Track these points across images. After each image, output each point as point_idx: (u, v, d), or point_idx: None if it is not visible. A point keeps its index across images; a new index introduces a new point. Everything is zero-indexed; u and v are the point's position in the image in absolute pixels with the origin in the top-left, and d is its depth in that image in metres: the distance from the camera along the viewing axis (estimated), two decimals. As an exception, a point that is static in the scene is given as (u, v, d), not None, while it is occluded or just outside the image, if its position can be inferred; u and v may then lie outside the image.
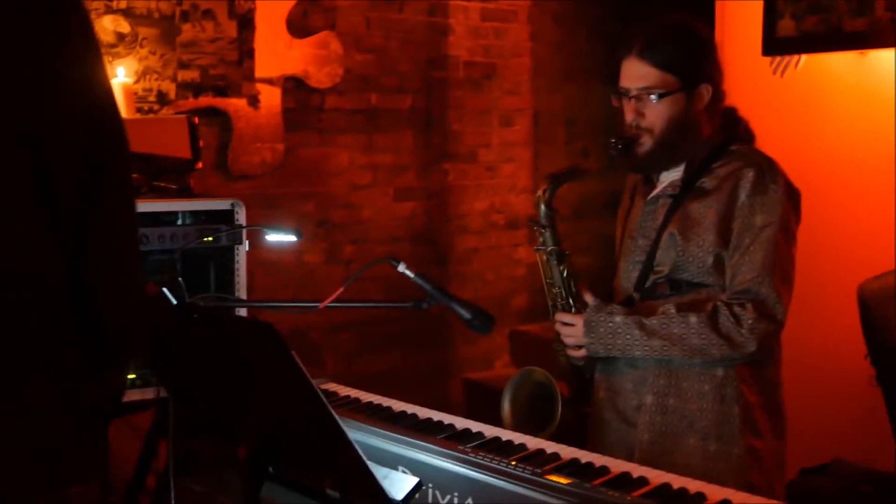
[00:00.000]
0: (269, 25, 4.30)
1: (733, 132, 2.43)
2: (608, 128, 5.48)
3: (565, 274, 2.44)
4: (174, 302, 1.76)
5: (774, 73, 4.07)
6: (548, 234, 2.44)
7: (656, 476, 1.80)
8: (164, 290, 1.76)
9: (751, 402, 2.33)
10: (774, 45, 4.02)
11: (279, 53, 4.35)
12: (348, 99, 4.64)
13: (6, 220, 1.40)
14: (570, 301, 2.44)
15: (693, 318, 2.26)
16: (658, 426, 2.36)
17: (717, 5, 4.24)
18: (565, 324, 2.42)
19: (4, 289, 1.39)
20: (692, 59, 2.36)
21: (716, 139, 2.39)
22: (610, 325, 2.33)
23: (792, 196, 2.33)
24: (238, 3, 4.20)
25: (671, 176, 2.42)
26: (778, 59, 4.05)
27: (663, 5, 2.59)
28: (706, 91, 2.35)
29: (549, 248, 2.45)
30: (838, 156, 4.02)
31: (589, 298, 2.41)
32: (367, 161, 4.74)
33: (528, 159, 5.37)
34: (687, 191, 2.37)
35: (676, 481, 1.78)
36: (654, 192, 2.44)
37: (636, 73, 2.35)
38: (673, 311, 2.29)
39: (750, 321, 2.23)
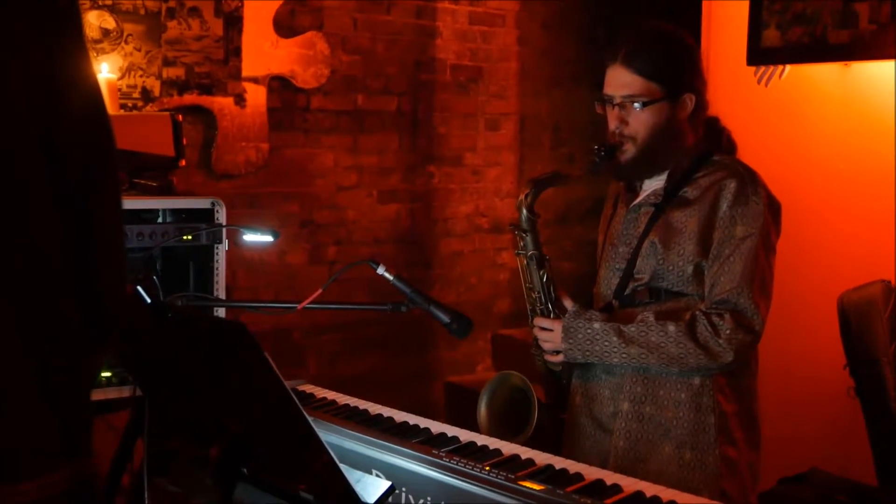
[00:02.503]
0: (256, 24, 4.29)
1: (716, 142, 2.43)
2: (594, 134, 5.47)
3: (545, 279, 2.44)
4: (147, 300, 1.76)
5: (759, 82, 4.08)
6: (529, 238, 2.44)
7: (630, 484, 1.80)
8: (138, 288, 1.75)
9: (726, 412, 2.33)
10: (759, 54, 4.04)
11: (265, 52, 4.34)
12: (334, 100, 4.63)
13: (21, 198, 1.44)
14: (549, 306, 2.44)
15: (671, 327, 2.27)
16: (634, 433, 2.36)
17: (704, 14, 4.26)
18: (544, 329, 2.42)
19: (14, 264, 1.42)
20: (676, 68, 2.36)
21: (699, 148, 2.40)
22: (588, 331, 2.34)
23: (773, 208, 2.33)
24: (225, 1, 4.19)
25: (654, 184, 2.43)
26: (762, 68, 4.06)
27: (650, 14, 2.59)
28: (690, 100, 2.36)
29: (530, 253, 2.44)
30: (820, 166, 4.03)
31: (568, 304, 2.41)
32: (352, 162, 4.73)
33: (513, 163, 5.37)
34: (669, 200, 2.37)
35: (650, 489, 1.78)
36: (637, 201, 2.45)
37: (620, 81, 2.35)
38: (651, 318, 2.29)
39: (728, 331, 2.23)
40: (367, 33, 4.73)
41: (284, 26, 4.42)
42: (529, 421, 2.33)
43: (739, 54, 4.09)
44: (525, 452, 1.96)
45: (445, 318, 2.18)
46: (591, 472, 1.86)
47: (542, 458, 1.93)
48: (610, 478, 1.83)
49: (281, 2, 4.35)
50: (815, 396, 3.89)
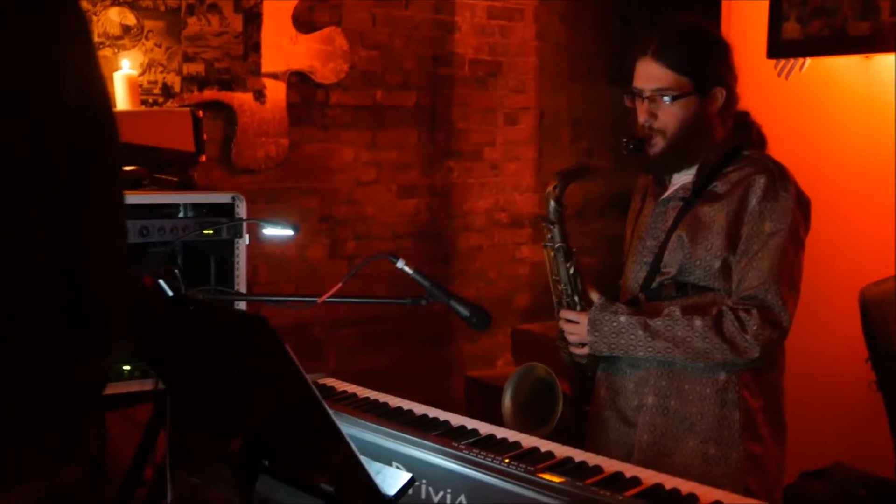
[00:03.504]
0: (275, 20, 4.31)
1: (746, 136, 2.42)
2: (613, 128, 5.49)
3: (572, 271, 2.44)
4: (169, 293, 1.77)
5: (779, 75, 4.07)
6: (556, 230, 2.44)
7: (649, 476, 1.80)
8: (160, 281, 1.76)
9: (752, 408, 2.32)
10: (779, 48, 4.02)
11: (284, 48, 4.36)
12: (353, 95, 4.64)
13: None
14: (576, 298, 2.43)
15: (698, 322, 2.26)
16: (658, 427, 2.35)
17: (723, 7, 4.24)
18: (569, 321, 2.42)
19: None
20: (707, 62, 2.35)
21: (728, 143, 2.39)
22: (614, 324, 2.33)
23: (802, 204, 2.32)
24: (244, -3, 4.21)
25: (682, 178, 2.42)
26: (783, 61, 4.05)
27: (669, 8, 2.59)
28: (720, 94, 2.35)
29: (557, 245, 2.45)
30: (840, 159, 4.01)
31: (594, 296, 2.41)
32: (371, 157, 4.74)
33: (532, 158, 5.36)
34: (698, 194, 2.36)
35: (669, 482, 1.78)
36: (666, 194, 2.44)
37: (650, 74, 2.34)
38: (678, 313, 2.29)
39: (755, 327, 2.22)
40: (386, 28, 4.74)
41: (303, 22, 4.43)
42: (553, 413, 2.33)
43: (760, 47, 4.07)
44: (544, 445, 1.97)
45: (465, 312, 2.19)
46: (610, 465, 1.86)
47: (561, 450, 1.94)
48: (629, 470, 1.83)
49: (300, -3, 4.37)
50: (837, 391, 3.88)
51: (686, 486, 1.76)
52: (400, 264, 2.21)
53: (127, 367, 2.63)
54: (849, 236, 3.95)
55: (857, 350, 3.34)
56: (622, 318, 2.33)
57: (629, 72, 2.40)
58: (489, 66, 5.14)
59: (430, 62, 4.92)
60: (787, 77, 4.07)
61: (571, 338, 2.43)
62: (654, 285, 2.40)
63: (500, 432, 2.04)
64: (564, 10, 5.39)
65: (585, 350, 2.41)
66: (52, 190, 1.42)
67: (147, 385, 2.61)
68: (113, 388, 2.62)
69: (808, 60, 4.03)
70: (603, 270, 2.49)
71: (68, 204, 1.43)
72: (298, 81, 4.44)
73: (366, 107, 4.69)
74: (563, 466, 1.85)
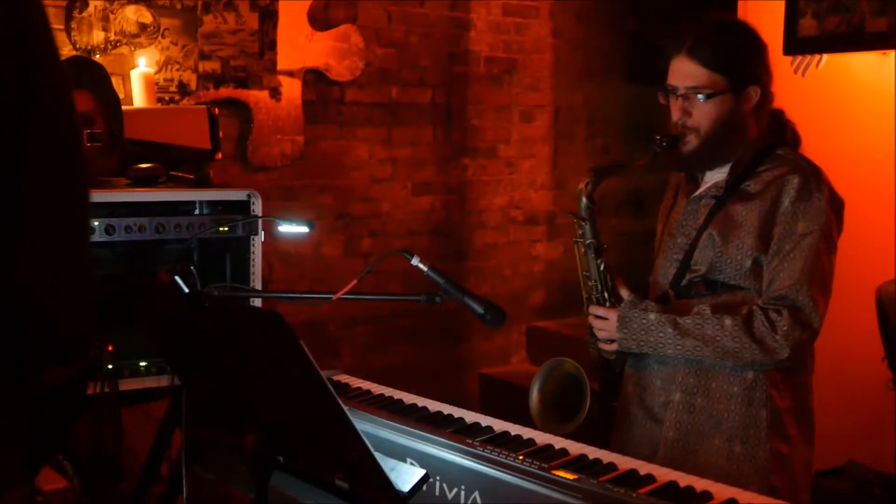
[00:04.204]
0: (291, 18, 4.32)
1: (780, 135, 2.41)
2: (628, 125, 5.48)
3: (602, 267, 2.44)
4: (186, 290, 1.78)
5: (795, 72, 4.05)
6: (587, 226, 2.44)
7: (663, 474, 1.80)
8: (176, 278, 1.77)
9: (779, 407, 2.32)
10: (796, 44, 4.00)
11: (300, 46, 4.37)
12: (368, 92, 4.65)
13: None
14: (605, 295, 2.43)
15: (728, 321, 2.25)
16: (684, 424, 2.35)
17: (739, 4, 4.23)
18: (599, 317, 2.42)
19: None
20: (742, 60, 2.34)
21: (762, 142, 2.38)
22: (643, 321, 2.33)
23: (835, 205, 2.31)
24: (260, -5, 4.23)
25: (715, 176, 2.41)
26: (799, 58, 4.03)
27: (686, 5, 2.58)
28: (755, 93, 2.34)
29: (588, 241, 2.45)
30: (857, 156, 3.99)
31: (624, 293, 2.41)
32: (386, 155, 4.75)
33: (547, 155, 5.36)
34: (730, 193, 2.36)
35: (683, 479, 1.77)
36: (698, 192, 2.44)
37: (685, 72, 2.33)
38: (708, 311, 2.28)
39: (785, 328, 2.22)
40: (402, 26, 4.75)
41: (319, 20, 4.44)
42: (581, 408, 2.33)
43: (776, 44, 4.05)
44: (558, 442, 1.97)
45: (479, 309, 2.19)
46: (624, 462, 1.86)
47: (575, 447, 1.94)
48: (643, 468, 1.83)
49: (315, -5, 4.38)
50: (853, 389, 3.86)
51: (700, 484, 1.75)
52: (415, 261, 2.21)
53: (143, 364, 2.64)
54: (865, 233, 3.93)
55: (872, 348, 3.33)
56: (651, 316, 2.33)
57: (663, 69, 2.39)
58: (504, 63, 5.14)
59: (446, 59, 4.92)
60: (803, 74, 4.05)
61: (600, 334, 2.43)
62: (683, 282, 2.39)
63: (514, 429, 2.05)
64: (580, 8, 5.38)
65: (614, 346, 2.40)
66: None
67: (163, 382, 2.62)
68: (129, 385, 2.64)
69: (825, 57, 4.01)
70: (619, 267, 2.48)
71: None
72: (314, 79, 4.46)
73: (381, 104, 4.70)
74: (577, 464, 1.85)
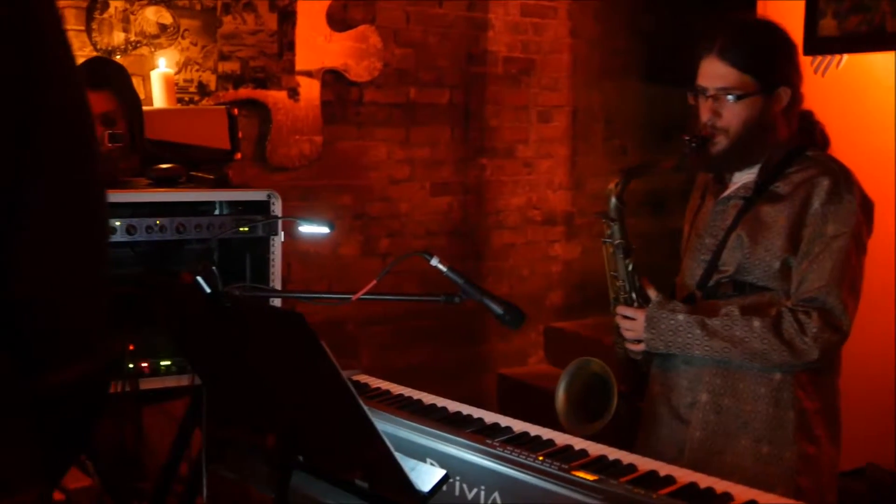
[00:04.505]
0: (310, 18, 4.33)
1: (810, 136, 2.40)
2: (646, 125, 5.47)
3: (630, 268, 2.43)
4: (207, 290, 1.79)
5: (815, 72, 4.03)
6: (616, 227, 2.44)
7: (683, 475, 1.80)
8: (198, 278, 1.78)
9: (806, 408, 2.31)
10: (816, 44, 3.98)
11: (319, 46, 4.38)
12: (387, 93, 4.65)
13: None
14: (633, 295, 2.43)
15: (756, 322, 2.25)
16: (711, 425, 2.35)
17: (759, 4, 4.21)
18: (626, 317, 2.42)
19: None
20: (772, 62, 2.33)
21: (792, 143, 2.37)
22: (671, 322, 2.33)
23: (866, 207, 2.30)
24: (279, -5, 4.24)
25: (744, 177, 2.40)
26: (819, 58, 4.01)
27: (705, 5, 2.57)
28: (785, 94, 2.32)
29: (617, 242, 2.44)
30: (878, 156, 3.97)
31: (652, 294, 2.41)
32: (404, 155, 4.76)
33: (565, 156, 5.36)
34: (759, 194, 2.35)
35: (703, 480, 1.77)
36: (726, 193, 2.43)
37: (715, 73, 2.32)
38: (736, 312, 2.28)
39: (814, 330, 2.21)
40: (420, 26, 4.75)
41: (337, 20, 4.45)
42: (608, 408, 2.32)
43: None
44: (578, 443, 1.97)
45: (498, 310, 2.19)
46: (644, 463, 1.86)
47: (595, 448, 1.94)
48: (663, 469, 1.83)
49: (334, -4, 4.39)
50: (872, 391, 3.84)
51: (720, 486, 1.75)
52: (434, 261, 2.21)
53: (164, 363, 2.66)
54: (884, 233, 3.91)
55: (893, 349, 3.31)
56: (680, 317, 2.33)
57: (693, 69, 2.39)
58: (522, 63, 5.14)
59: (464, 60, 4.92)
60: (823, 74, 4.03)
61: (628, 334, 2.42)
62: (711, 283, 2.39)
63: (534, 430, 2.05)
64: (598, 8, 5.38)
65: (642, 347, 2.40)
66: None
67: (183, 381, 2.64)
68: (150, 384, 2.65)
69: (845, 57, 3.99)
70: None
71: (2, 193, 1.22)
72: (332, 79, 4.46)
73: (399, 104, 4.71)
74: (597, 464, 1.85)
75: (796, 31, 4.03)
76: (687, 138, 2.34)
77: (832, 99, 4.05)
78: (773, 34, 2.38)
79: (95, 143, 1.36)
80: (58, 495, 1.98)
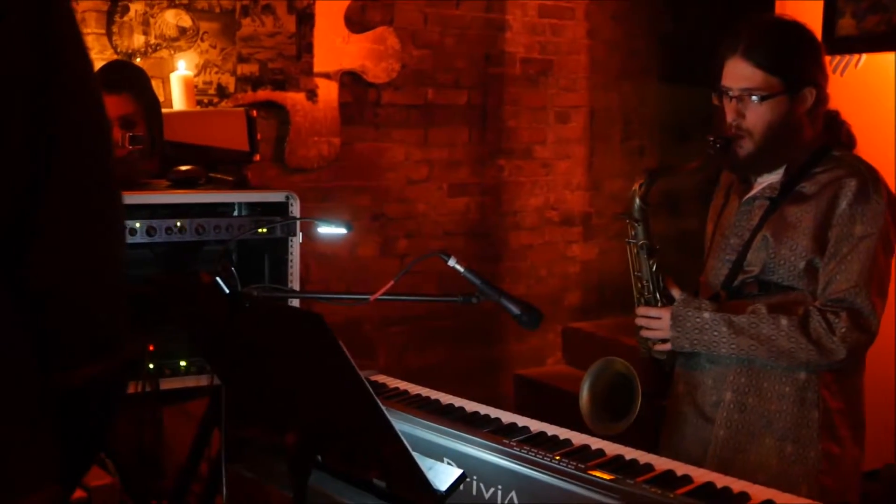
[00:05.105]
0: (328, 20, 4.35)
1: (835, 136, 2.39)
2: (664, 126, 5.46)
3: (654, 268, 2.43)
4: (227, 291, 1.80)
5: (834, 72, 4.02)
6: (640, 227, 2.44)
7: (700, 475, 1.80)
8: (218, 279, 1.79)
9: (831, 408, 2.31)
10: (834, 44, 3.97)
11: (337, 48, 4.40)
12: (404, 94, 4.67)
13: None
14: (657, 295, 2.43)
15: (784, 321, 2.25)
16: (735, 423, 2.35)
17: (777, 4, 4.20)
18: (650, 317, 2.42)
19: None
20: (797, 62, 2.32)
21: (817, 143, 2.36)
22: (698, 320, 2.33)
23: (893, 207, 2.29)
24: (297, -2, 4.26)
25: (770, 177, 2.40)
26: (838, 58, 4.00)
27: (724, 6, 2.57)
28: (810, 94, 2.32)
29: (641, 242, 2.44)
30: (897, 156, 3.96)
31: (676, 293, 2.41)
32: (422, 156, 4.77)
33: (583, 156, 5.36)
34: (785, 194, 2.35)
35: (720, 480, 1.78)
36: (751, 193, 2.42)
37: (739, 74, 2.32)
38: (763, 310, 2.28)
39: (843, 329, 2.21)
40: (437, 28, 4.76)
41: (355, 22, 4.46)
42: (632, 408, 2.32)
43: (814, 44, 4.03)
44: (595, 443, 1.97)
45: (516, 310, 2.19)
46: (661, 463, 1.86)
47: (612, 448, 1.94)
48: (680, 468, 1.83)
49: (352, -2, 4.41)
50: (890, 392, 3.83)
51: (738, 486, 1.76)
52: (451, 262, 2.22)
53: (183, 363, 2.68)
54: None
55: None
56: (706, 315, 2.32)
57: (711, 70, 2.38)
58: (540, 64, 5.14)
59: (482, 61, 4.93)
60: (842, 73, 4.02)
61: (653, 334, 2.42)
62: (736, 283, 2.39)
63: (551, 430, 2.05)
64: (616, 8, 5.37)
65: (667, 346, 2.40)
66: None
67: (203, 381, 2.65)
68: (169, 384, 2.67)
69: (864, 56, 3.98)
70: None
71: (21, 194, 1.24)
72: (350, 81, 4.48)
73: (417, 106, 4.72)
74: (614, 464, 1.86)
75: (814, 31, 4.02)
76: (711, 139, 2.34)
77: (851, 98, 4.04)
78: (799, 34, 2.37)
79: (112, 145, 1.38)
80: (79, 493, 2.00)
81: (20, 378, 1.28)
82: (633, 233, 2.45)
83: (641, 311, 2.45)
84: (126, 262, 1.40)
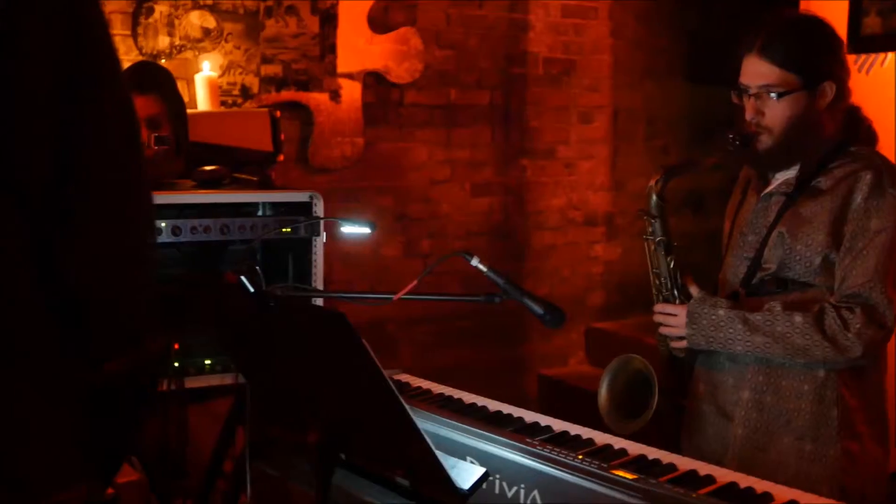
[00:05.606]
0: (351, 21, 4.36)
1: (855, 132, 2.37)
2: (688, 125, 5.44)
3: (672, 265, 2.43)
4: (251, 290, 1.81)
5: (859, 71, 3.99)
6: (657, 224, 2.43)
7: (723, 474, 1.80)
8: (242, 278, 1.81)
9: (851, 406, 2.29)
10: (859, 42, 3.95)
11: (360, 49, 4.41)
12: (427, 94, 4.67)
13: None
14: (675, 292, 2.43)
15: (798, 318, 2.24)
16: (753, 422, 2.34)
17: (802, 3, 4.18)
18: (668, 314, 2.42)
19: None
20: (814, 57, 2.31)
21: (836, 138, 2.35)
22: (713, 317, 2.32)
23: None
24: (321, -1, 4.28)
25: (787, 173, 2.39)
26: (863, 56, 3.97)
27: (748, 3, 2.56)
28: (829, 89, 2.30)
29: (658, 238, 2.44)
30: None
31: (694, 290, 2.40)
32: (445, 156, 4.77)
33: (606, 156, 5.35)
34: (801, 190, 2.34)
35: (744, 480, 1.77)
36: (768, 189, 2.41)
37: (756, 71, 2.31)
38: (778, 308, 2.27)
39: (858, 325, 2.19)
40: (460, 28, 4.77)
41: (378, 22, 4.48)
42: (649, 405, 2.32)
43: (839, 43, 4.01)
44: (618, 442, 1.97)
45: (539, 310, 2.19)
46: (684, 463, 1.86)
47: (634, 447, 1.94)
48: (703, 468, 1.83)
49: (375, -2, 4.42)
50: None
51: (761, 486, 1.75)
52: (475, 262, 2.22)
53: (208, 362, 2.70)
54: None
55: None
56: (721, 312, 2.32)
57: (735, 68, 2.38)
58: (563, 64, 5.14)
59: (504, 61, 4.93)
60: (867, 72, 3.99)
61: (670, 331, 2.42)
62: (754, 280, 2.38)
63: (574, 429, 2.06)
64: (639, 8, 5.36)
65: (684, 344, 2.40)
66: (32, 159, 1.24)
67: (227, 379, 2.67)
68: (194, 383, 2.69)
69: (890, 55, 3.95)
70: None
71: (53, 186, 1.26)
72: (373, 81, 4.49)
73: (440, 106, 4.73)
74: (637, 464, 1.86)
75: (840, 30, 3.99)
76: (730, 136, 2.33)
77: (877, 96, 4.01)
78: (815, 29, 2.36)
79: (141, 145, 1.40)
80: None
81: (48, 375, 1.29)
82: (650, 229, 2.45)
83: (659, 307, 2.44)
84: (156, 260, 1.41)
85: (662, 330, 2.44)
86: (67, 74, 1.27)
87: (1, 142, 1.22)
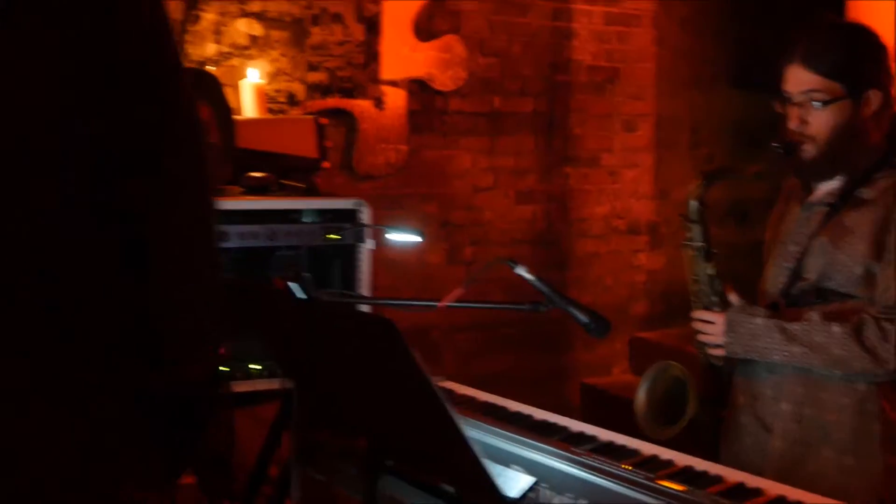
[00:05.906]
0: (395, 28, 4.39)
1: None
2: (733, 133, 5.40)
3: (711, 272, 2.41)
4: (301, 296, 1.83)
5: (908, 79, 3.95)
6: (697, 230, 2.42)
7: (771, 487, 1.78)
8: (291, 284, 1.82)
9: (892, 420, 2.27)
10: (909, 50, 3.90)
11: (404, 56, 4.43)
12: (471, 102, 4.68)
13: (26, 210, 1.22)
14: (714, 300, 2.41)
15: (836, 328, 2.21)
16: (792, 434, 2.32)
17: (849, 7, 4.15)
18: (706, 321, 2.40)
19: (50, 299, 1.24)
20: (858, 65, 2.28)
21: (881, 147, 2.32)
22: (750, 326, 2.30)
23: None
24: (366, 6, 4.29)
25: (830, 183, 2.37)
26: (912, 64, 3.93)
27: (794, 9, 2.54)
28: (875, 97, 2.27)
29: (697, 245, 2.42)
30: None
31: (733, 299, 2.38)
32: (488, 164, 4.78)
33: (650, 165, 5.32)
34: (845, 200, 2.31)
35: (793, 494, 1.75)
36: (811, 199, 2.40)
37: (799, 80, 2.28)
38: (817, 318, 2.25)
39: None
40: (504, 36, 4.77)
41: (423, 30, 4.49)
42: (685, 413, 2.31)
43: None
44: (664, 453, 1.96)
45: (584, 318, 2.19)
46: (731, 475, 1.85)
47: (681, 459, 1.93)
48: (751, 481, 1.81)
49: (419, 6, 4.43)
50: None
51: (809, 499, 1.73)
52: (519, 270, 2.22)
53: (255, 367, 2.72)
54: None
55: None
56: (759, 321, 2.30)
57: (778, 76, 2.36)
58: (607, 72, 5.12)
59: (548, 69, 4.93)
60: (916, 81, 3.95)
61: (707, 339, 2.39)
62: (794, 291, 2.36)
63: (620, 439, 2.05)
64: (684, 15, 5.33)
65: (721, 352, 2.38)
66: (102, 190, 1.25)
67: (274, 384, 2.69)
68: (241, 387, 2.71)
69: (940, 62, 3.90)
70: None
71: (126, 211, 1.28)
72: (418, 89, 4.51)
73: (484, 113, 4.73)
74: (684, 475, 1.84)
75: (887, 33, 3.95)
76: (774, 144, 2.31)
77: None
78: (857, 36, 2.34)
79: (210, 158, 1.43)
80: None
81: (134, 385, 1.32)
82: (689, 236, 2.43)
83: (697, 314, 2.43)
84: (222, 266, 1.44)
85: (700, 337, 2.42)
86: (147, 74, 1.30)
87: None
